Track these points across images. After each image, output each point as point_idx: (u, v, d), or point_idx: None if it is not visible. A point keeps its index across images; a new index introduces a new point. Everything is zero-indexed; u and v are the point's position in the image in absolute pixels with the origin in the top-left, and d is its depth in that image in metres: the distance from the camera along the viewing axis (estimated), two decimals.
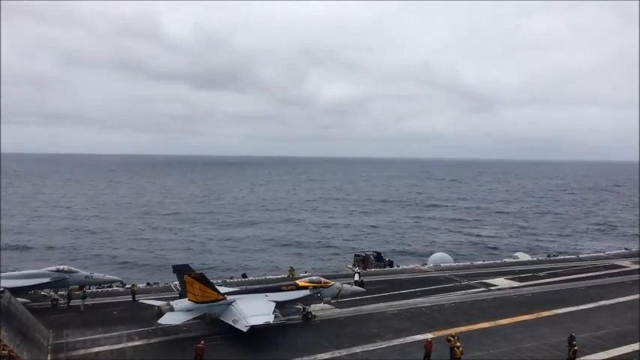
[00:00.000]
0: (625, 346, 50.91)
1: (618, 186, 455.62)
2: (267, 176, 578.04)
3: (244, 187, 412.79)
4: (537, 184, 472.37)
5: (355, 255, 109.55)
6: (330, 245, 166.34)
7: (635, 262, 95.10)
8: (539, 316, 61.23)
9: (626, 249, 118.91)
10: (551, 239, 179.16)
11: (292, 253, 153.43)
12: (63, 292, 63.94)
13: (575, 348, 45.60)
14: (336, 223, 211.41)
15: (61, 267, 65.35)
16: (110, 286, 72.10)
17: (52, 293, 63.43)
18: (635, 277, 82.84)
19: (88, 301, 62.61)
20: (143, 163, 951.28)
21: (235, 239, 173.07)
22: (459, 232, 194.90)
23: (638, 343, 51.59)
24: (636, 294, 71.44)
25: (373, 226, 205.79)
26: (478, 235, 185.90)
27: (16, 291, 56.09)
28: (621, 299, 69.25)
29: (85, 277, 65.39)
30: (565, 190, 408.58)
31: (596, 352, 49.21)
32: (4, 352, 41.95)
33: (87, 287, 66.09)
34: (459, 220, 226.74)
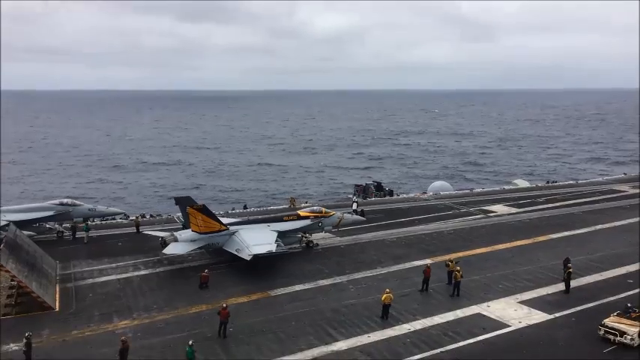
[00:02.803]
0: (620, 268, 52.20)
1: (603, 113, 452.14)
2: (254, 111, 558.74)
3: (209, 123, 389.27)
4: (519, 113, 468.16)
5: (355, 185, 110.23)
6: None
7: (634, 187, 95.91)
8: (536, 240, 62.42)
9: (624, 174, 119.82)
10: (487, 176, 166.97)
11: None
12: (67, 225, 64.89)
13: (570, 270, 46.62)
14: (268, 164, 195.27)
15: (65, 200, 66.09)
16: (113, 219, 73.09)
17: (56, 226, 64.43)
18: (634, 201, 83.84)
19: (93, 234, 63.59)
20: (133, 99, 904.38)
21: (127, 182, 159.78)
22: (402, 165, 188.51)
23: (633, 265, 52.93)
24: (634, 218, 72.56)
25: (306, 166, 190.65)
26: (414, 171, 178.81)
27: (20, 224, 56.93)
28: (618, 223, 70.37)
29: (89, 209, 66.22)
30: (544, 120, 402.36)
31: (590, 274, 50.48)
32: (13, 282, 43.10)
33: (90, 220, 67.00)
34: (408, 156, 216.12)
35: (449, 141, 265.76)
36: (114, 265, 53.33)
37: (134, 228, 66.10)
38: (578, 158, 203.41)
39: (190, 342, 33.22)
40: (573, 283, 46.86)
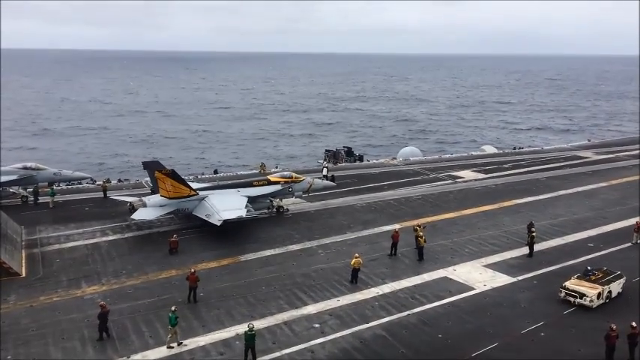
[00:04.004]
0: (581, 232, 53.94)
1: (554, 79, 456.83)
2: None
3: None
4: (479, 79, 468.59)
5: (326, 150, 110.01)
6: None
7: (597, 153, 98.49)
8: (501, 205, 63.79)
9: (589, 140, 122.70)
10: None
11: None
12: (31, 189, 63.43)
13: (534, 234, 47.94)
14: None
15: (28, 164, 64.40)
16: (80, 183, 71.74)
17: (20, 190, 62.92)
18: (595, 167, 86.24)
19: (58, 198, 62.34)
20: (92, 59, 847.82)
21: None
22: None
23: (593, 229, 54.77)
24: (594, 184, 74.71)
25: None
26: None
27: None
28: (580, 189, 72.29)
29: (54, 174, 64.76)
30: (504, 85, 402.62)
31: (553, 239, 52.03)
32: None
33: (56, 184, 65.66)
34: (358, 123, 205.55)
35: (403, 107, 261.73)
36: (81, 230, 52.57)
37: (101, 193, 65.07)
38: (528, 125, 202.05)
39: (173, 308, 32.71)
40: (536, 247, 48.17)
